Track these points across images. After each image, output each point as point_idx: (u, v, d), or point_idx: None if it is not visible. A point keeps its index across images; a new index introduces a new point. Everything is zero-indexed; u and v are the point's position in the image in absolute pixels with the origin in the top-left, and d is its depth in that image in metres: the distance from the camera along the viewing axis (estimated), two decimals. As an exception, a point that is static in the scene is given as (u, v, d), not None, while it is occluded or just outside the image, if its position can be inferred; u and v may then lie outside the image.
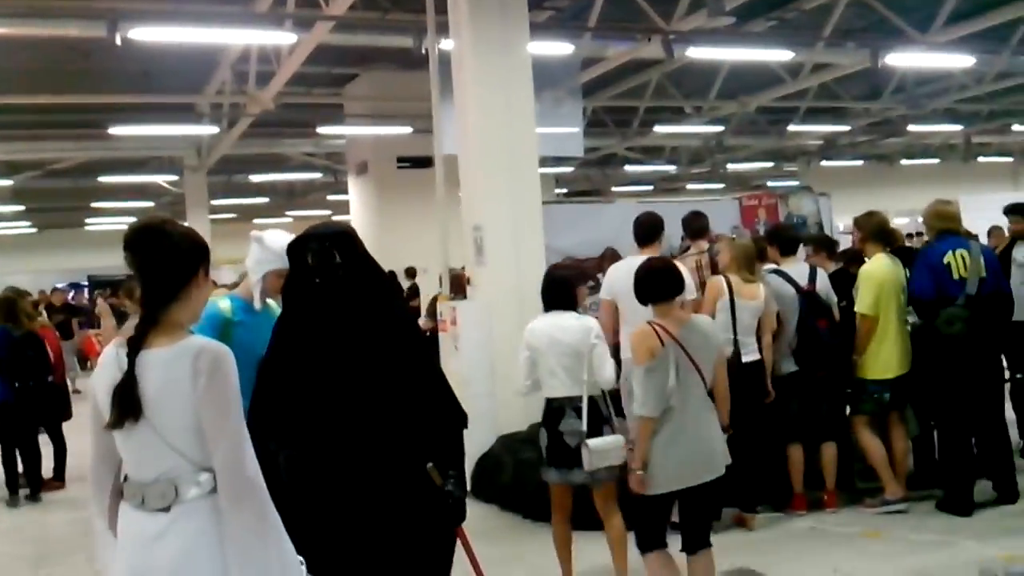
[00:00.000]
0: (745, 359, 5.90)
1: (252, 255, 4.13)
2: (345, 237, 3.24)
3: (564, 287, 5.03)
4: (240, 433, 2.46)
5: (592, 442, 4.70)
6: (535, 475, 6.50)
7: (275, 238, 4.06)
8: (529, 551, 5.93)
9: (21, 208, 25.84)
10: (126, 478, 2.56)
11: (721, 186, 26.32)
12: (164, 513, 2.44)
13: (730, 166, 25.12)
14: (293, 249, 3.25)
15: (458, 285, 8.31)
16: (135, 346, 2.46)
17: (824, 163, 25.97)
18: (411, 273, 14.52)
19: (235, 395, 2.46)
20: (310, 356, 3.15)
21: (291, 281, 3.28)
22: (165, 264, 2.51)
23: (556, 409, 4.89)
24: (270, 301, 4.13)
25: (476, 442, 7.08)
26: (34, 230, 31.56)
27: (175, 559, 2.42)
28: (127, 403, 2.41)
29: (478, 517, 6.71)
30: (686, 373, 4.20)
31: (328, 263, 3.15)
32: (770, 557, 5.50)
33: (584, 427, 4.75)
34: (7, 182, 19.93)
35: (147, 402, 2.41)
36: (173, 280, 2.52)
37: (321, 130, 16.39)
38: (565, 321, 4.91)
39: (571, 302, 5.00)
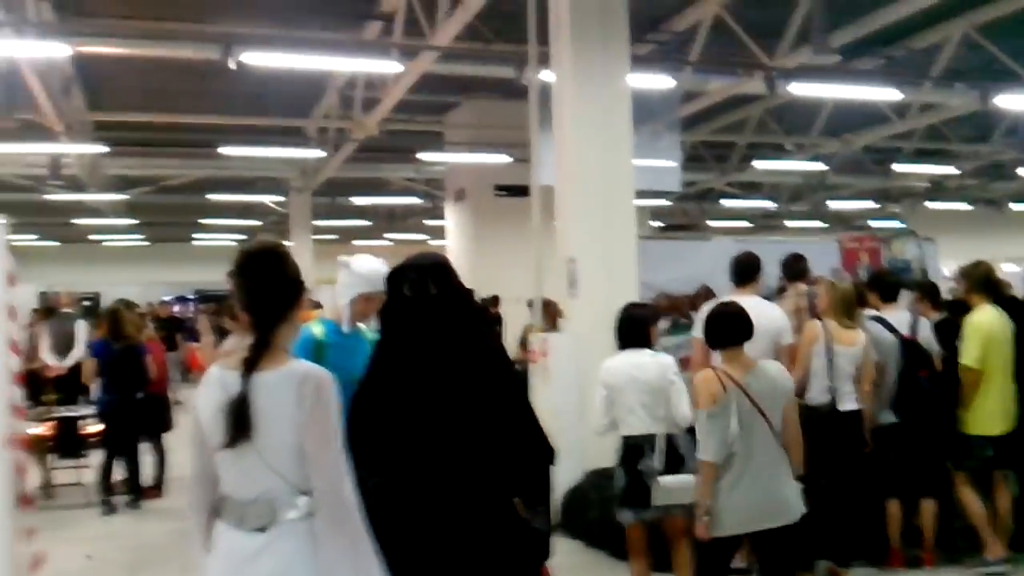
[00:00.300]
0: (842, 408, 5.74)
1: (340, 279, 4.22)
2: (441, 269, 3.29)
3: (640, 325, 5.11)
4: (340, 458, 2.51)
5: (663, 479, 4.73)
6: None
7: (362, 263, 4.15)
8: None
9: (134, 222, 26.81)
10: (224, 497, 2.59)
11: (822, 224, 25.81)
12: (261, 533, 2.48)
13: (832, 204, 24.62)
14: (391, 279, 3.30)
15: (548, 314, 8.32)
16: (249, 368, 2.50)
17: (930, 205, 25.25)
18: (494, 302, 14.34)
19: (337, 421, 2.52)
20: (402, 385, 3.19)
21: (387, 309, 3.33)
22: (280, 288, 2.59)
23: (633, 447, 4.90)
24: (360, 324, 4.20)
25: (564, 476, 7.05)
26: (145, 243, 32.72)
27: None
28: (240, 423, 2.46)
29: (564, 552, 6.65)
30: (750, 419, 4.16)
31: (424, 294, 3.19)
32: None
33: (659, 465, 4.75)
34: (122, 196, 20.72)
35: (254, 423, 2.46)
36: (283, 304, 2.59)
37: (422, 156, 16.64)
38: (642, 359, 4.97)
39: (646, 340, 5.07)
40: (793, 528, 4.22)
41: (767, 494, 4.18)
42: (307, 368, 2.54)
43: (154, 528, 7.92)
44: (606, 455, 6.98)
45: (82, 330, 10.19)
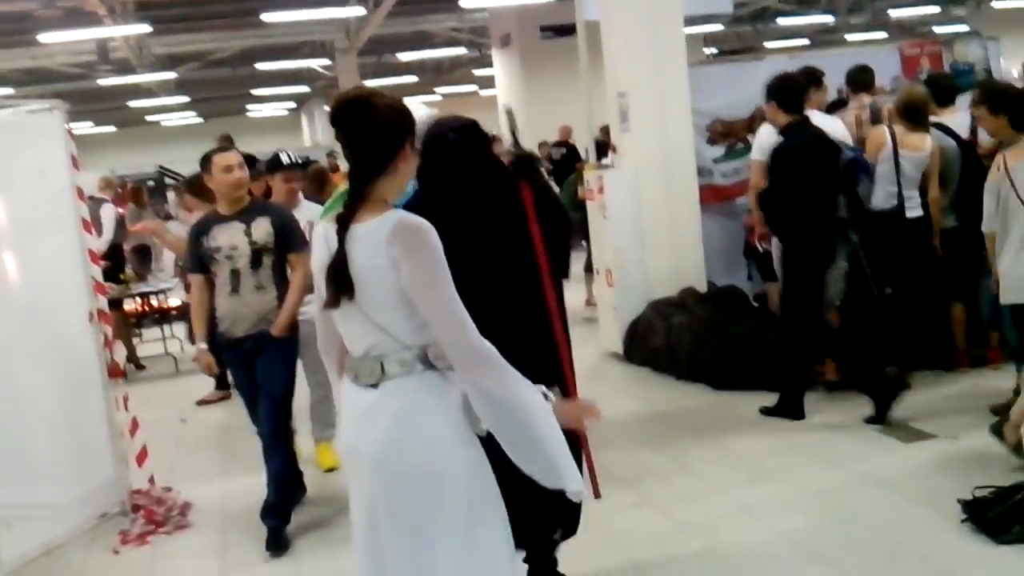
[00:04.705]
0: (909, 214, 5.71)
1: None
2: (474, 130, 3.49)
3: None
4: (452, 303, 2.33)
5: None
6: (687, 338, 6.64)
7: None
8: (685, 408, 6.11)
9: (187, 99, 26.92)
10: (345, 352, 2.56)
11: (884, 35, 24.78)
12: (373, 389, 2.42)
13: (892, 13, 23.55)
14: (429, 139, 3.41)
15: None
16: (344, 223, 2.38)
17: (995, 4, 23.98)
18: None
19: (439, 267, 2.34)
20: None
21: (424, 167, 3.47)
22: (370, 138, 2.40)
23: None
24: None
25: (628, 307, 7.23)
26: (199, 120, 32.91)
27: (379, 436, 2.40)
28: (340, 281, 2.37)
29: (632, 379, 6.92)
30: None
31: (462, 152, 3.41)
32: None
33: None
34: (170, 74, 20.76)
35: (355, 279, 2.37)
36: (379, 154, 2.40)
37: (464, 3, 16.30)
38: None
39: None
40: None
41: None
42: (400, 217, 2.37)
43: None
44: (668, 286, 7.16)
45: (108, 213, 9.66)
